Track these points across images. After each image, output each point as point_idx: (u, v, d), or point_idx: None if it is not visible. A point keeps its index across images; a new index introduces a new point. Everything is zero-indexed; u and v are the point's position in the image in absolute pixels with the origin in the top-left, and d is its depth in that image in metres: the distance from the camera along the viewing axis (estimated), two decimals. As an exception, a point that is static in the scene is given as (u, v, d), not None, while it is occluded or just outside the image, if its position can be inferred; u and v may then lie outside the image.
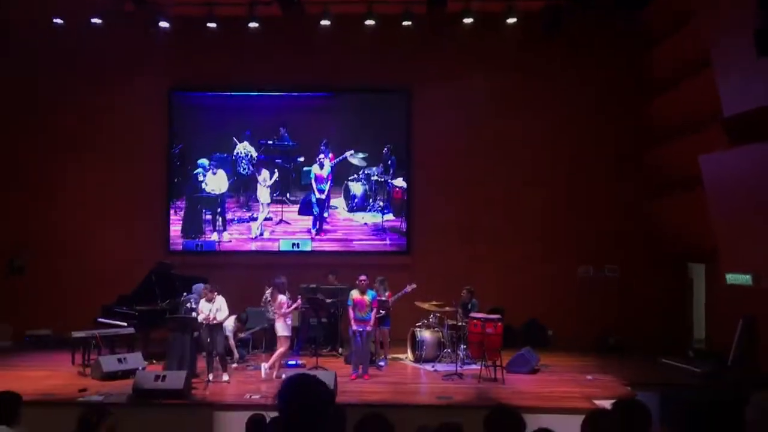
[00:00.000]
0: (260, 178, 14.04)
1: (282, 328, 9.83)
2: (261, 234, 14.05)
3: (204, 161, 14.14)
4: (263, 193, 14.09)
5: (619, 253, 13.67)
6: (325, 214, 14.05)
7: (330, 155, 14.00)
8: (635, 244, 13.52)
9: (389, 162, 14.02)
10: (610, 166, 13.68)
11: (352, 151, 14.00)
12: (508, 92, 13.70)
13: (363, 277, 9.93)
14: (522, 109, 13.66)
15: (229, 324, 10.57)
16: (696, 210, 10.77)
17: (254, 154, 14.10)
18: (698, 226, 10.95)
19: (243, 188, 14.19)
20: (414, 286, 11.20)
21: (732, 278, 9.34)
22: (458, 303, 10.91)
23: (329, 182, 14.04)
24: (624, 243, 13.57)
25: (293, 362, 10.59)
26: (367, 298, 9.87)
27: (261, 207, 14.10)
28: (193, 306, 9.96)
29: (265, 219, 14.07)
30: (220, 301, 9.81)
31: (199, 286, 10.22)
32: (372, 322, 9.91)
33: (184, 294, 10.50)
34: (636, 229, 13.48)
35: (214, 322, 9.62)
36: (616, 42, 13.47)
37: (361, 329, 9.79)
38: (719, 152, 9.54)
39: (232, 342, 10.84)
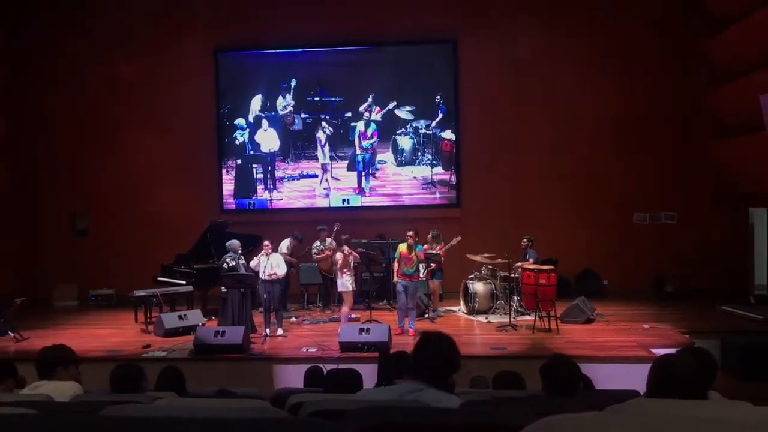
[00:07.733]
0: (318, 136, 14.08)
1: (343, 284, 10.13)
2: (327, 192, 14.18)
3: (240, 121, 14.24)
4: (321, 153, 14.15)
5: (677, 199, 13.30)
6: (371, 170, 14.02)
7: (376, 110, 13.89)
8: (694, 190, 13.13)
9: (441, 113, 13.80)
10: (668, 110, 13.20)
11: (395, 103, 13.83)
12: (559, 40, 13.27)
13: (410, 233, 9.80)
14: (573, 57, 13.22)
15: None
16: (757, 152, 10.36)
17: (293, 105, 14.08)
18: (760, 168, 10.54)
19: (299, 143, 14.22)
20: (459, 238, 11.18)
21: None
22: (520, 253, 10.86)
23: (374, 139, 13.96)
24: (682, 189, 13.19)
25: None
26: (414, 254, 9.76)
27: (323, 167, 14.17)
28: (231, 264, 9.96)
29: (310, 176, 14.15)
30: (278, 258, 10.03)
31: (233, 243, 10.14)
32: (416, 276, 9.75)
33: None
34: (695, 175, 13.09)
35: (275, 277, 9.81)
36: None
37: (405, 283, 9.68)
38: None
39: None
